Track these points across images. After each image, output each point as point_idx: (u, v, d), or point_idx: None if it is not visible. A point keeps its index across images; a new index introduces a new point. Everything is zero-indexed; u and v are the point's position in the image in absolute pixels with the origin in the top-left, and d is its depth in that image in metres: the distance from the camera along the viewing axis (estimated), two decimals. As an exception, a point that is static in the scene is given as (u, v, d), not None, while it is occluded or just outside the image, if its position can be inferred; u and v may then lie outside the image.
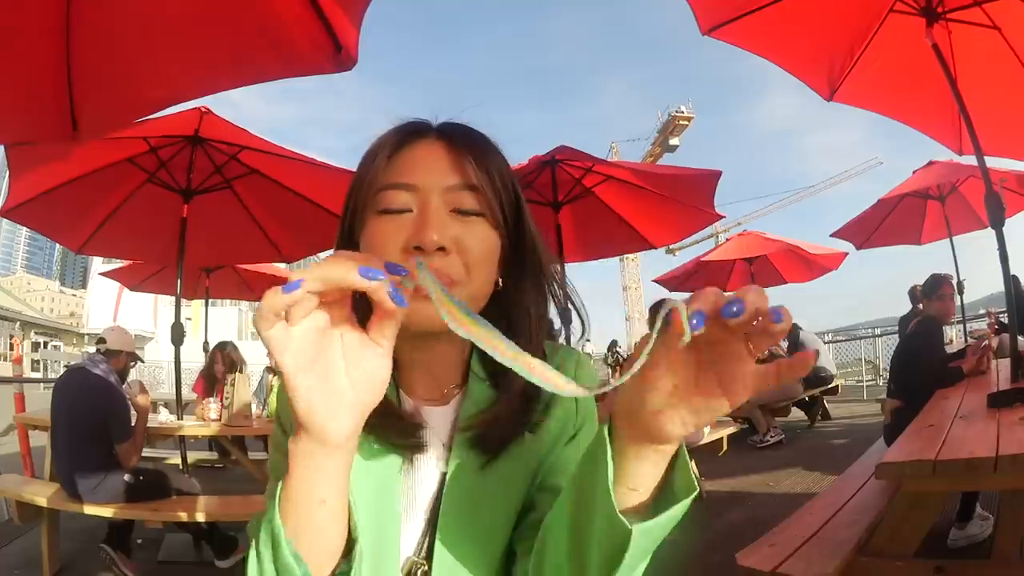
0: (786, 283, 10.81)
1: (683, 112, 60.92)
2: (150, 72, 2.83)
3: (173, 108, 3.34)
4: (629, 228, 6.36)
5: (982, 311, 10.19)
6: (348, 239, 0.85)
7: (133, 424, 3.88)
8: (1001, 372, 3.82)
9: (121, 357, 4.07)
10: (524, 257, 0.88)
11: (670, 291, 10.80)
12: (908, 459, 2.16)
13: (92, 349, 4.10)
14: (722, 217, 6.34)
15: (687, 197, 5.98)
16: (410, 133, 0.85)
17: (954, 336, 9.29)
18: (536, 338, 0.88)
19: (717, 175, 5.70)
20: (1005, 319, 5.18)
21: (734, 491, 5.38)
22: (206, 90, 3.05)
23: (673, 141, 61.71)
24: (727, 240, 11.28)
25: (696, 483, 0.60)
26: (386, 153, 0.83)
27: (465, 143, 0.84)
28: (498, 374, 0.88)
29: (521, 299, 0.88)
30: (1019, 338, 3.42)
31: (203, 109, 4.31)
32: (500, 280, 0.86)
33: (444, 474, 0.86)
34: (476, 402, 0.88)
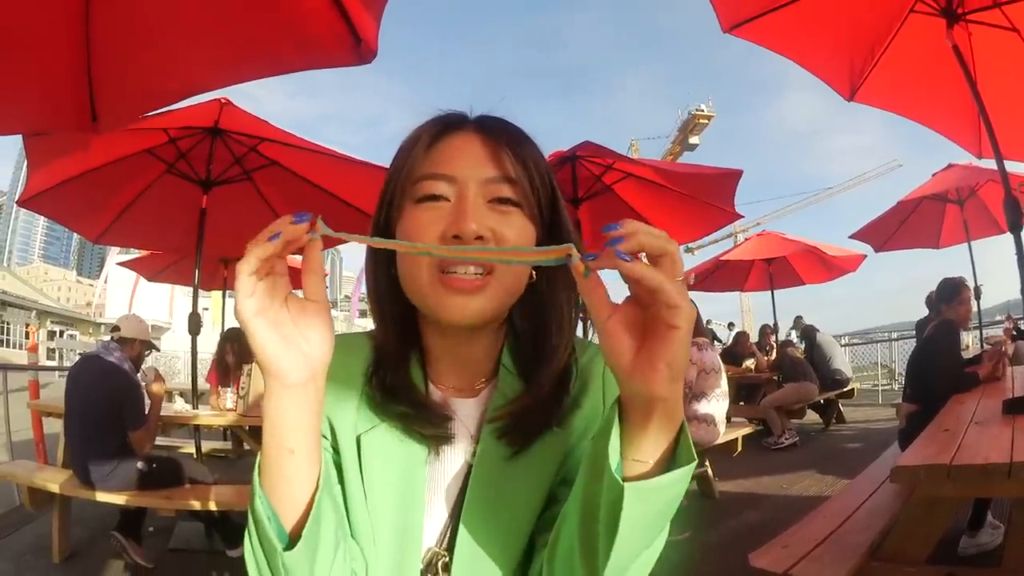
0: (804, 284, 10.81)
1: (703, 111, 60.52)
2: (170, 62, 2.84)
3: (193, 99, 3.37)
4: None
5: (998, 317, 10.09)
6: (384, 229, 0.87)
7: (147, 411, 3.90)
8: (1017, 379, 3.82)
9: (135, 345, 4.09)
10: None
11: (688, 290, 10.78)
12: (923, 463, 2.15)
13: (107, 337, 4.13)
14: (741, 217, 6.32)
15: (707, 196, 5.95)
16: (448, 125, 0.86)
17: (970, 342, 9.20)
18: (567, 333, 0.89)
19: (738, 175, 5.68)
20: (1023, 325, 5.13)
21: (748, 492, 5.37)
22: (226, 81, 3.06)
23: (693, 140, 61.31)
24: (746, 240, 11.25)
25: (693, 455, 0.62)
26: (424, 143, 0.85)
27: (502, 136, 0.84)
28: (529, 367, 0.88)
29: (554, 293, 0.88)
30: None
31: (223, 100, 4.32)
32: (534, 272, 0.87)
33: (470, 465, 0.86)
34: (505, 394, 0.88)
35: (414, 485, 0.85)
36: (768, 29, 4.03)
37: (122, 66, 2.73)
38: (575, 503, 0.70)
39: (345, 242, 0.77)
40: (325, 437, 0.85)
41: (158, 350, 5.88)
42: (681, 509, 0.65)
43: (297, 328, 0.67)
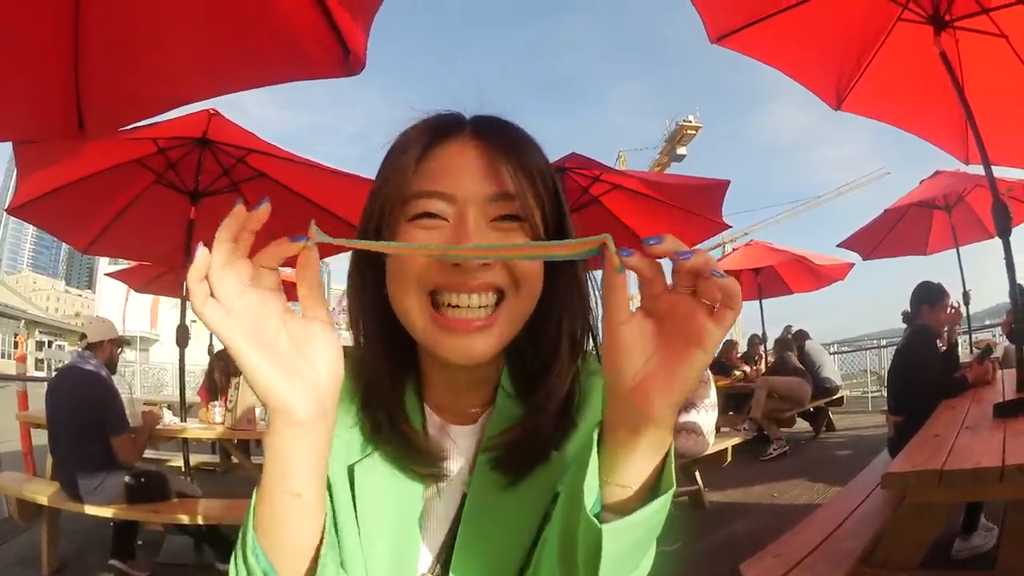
0: (792, 293, 10.83)
1: (691, 121, 60.46)
2: (159, 71, 2.83)
3: (182, 110, 3.37)
4: (635, 237, 6.31)
5: (988, 322, 10.14)
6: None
7: (128, 419, 3.88)
8: (1007, 382, 3.80)
9: (105, 346, 4.08)
10: (563, 267, 0.81)
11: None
12: (914, 469, 2.15)
13: (80, 347, 4.13)
14: (729, 227, 6.37)
15: (694, 206, 5.99)
16: (441, 131, 0.78)
17: (959, 343, 9.27)
18: (575, 356, 0.83)
19: (725, 185, 5.73)
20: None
21: (738, 502, 5.37)
22: (215, 92, 3.06)
23: (680, 150, 61.22)
24: (734, 250, 11.29)
25: (674, 480, 0.59)
26: (415, 153, 0.77)
27: (502, 144, 0.77)
28: (529, 391, 0.83)
29: (557, 309, 0.82)
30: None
31: (211, 111, 4.31)
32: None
33: (464, 494, 0.83)
34: (503, 420, 0.83)
35: (409, 516, 0.82)
36: (755, 40, 4.06)
37: (110, 73, 2.72)
38: (554, 532, 0.69)
39: (346, 250, 0.69)
40: None
41: (128, 344, 5.84)
42: (671, 520, 0.63)
43: (300, 353, 0.60)
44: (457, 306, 0.72)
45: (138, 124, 3.41)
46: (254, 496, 0.63)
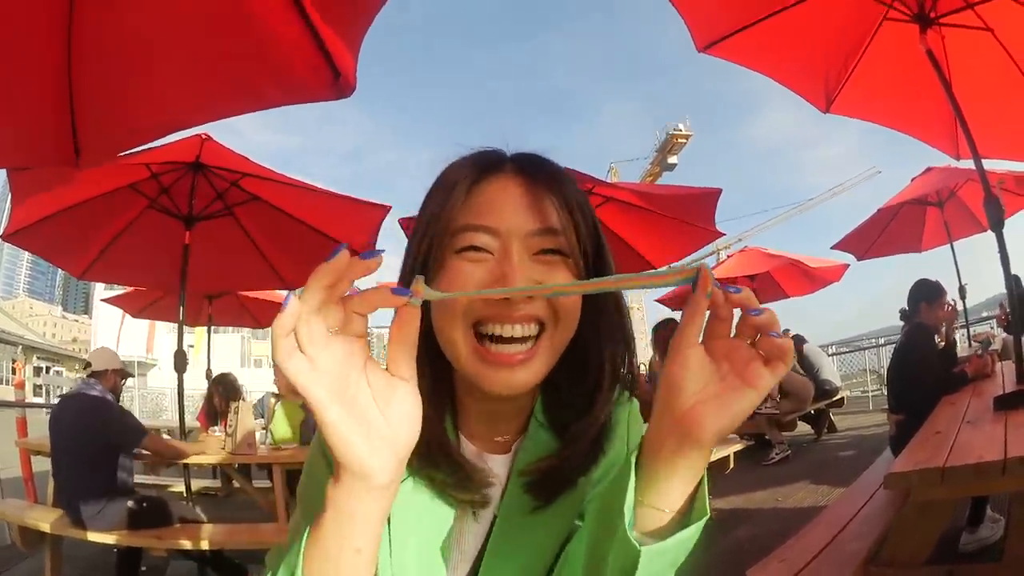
0: (788, 297, 10.82)
1: (681, 130, 60.53)
2: (152, 99, 2.84)
3: (175, 135, 3.36)
4: (630, 249, 6.37)
5: (985, 314, 10.13)
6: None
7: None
8: (1007, 374, 3.81)
9: (109, 375, 4.09)
10: (604, 299, 0.85)
11: (673, 311, 10.73)
12: (916, 468, 2.15)
13: (84, 374, 4.13)
14: (723, 235, 6.41)
15: (688, 216, 6.03)
16: (486, 168, 0.82)
17: (958, 340, 9.27)
18: (611, 390, 0.86)
19: (717, 193, 5.77)
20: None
21: (742, 508, 5.33)
22: (207, 117, 3.06)
23: (672, 160, 61.34)
24: (728, 257, 11.28)
25: (707, 508, 0.62)
26: (463, 188, 0.80)
27: (544, 179, 0.81)
28: (562, 422, 0.85)
29: (599, 341, 0.84)
30: None
31: (203, 136, 4.33)
32: None
33: (495, 517, 0.85)
34: (536, 448, 0.86)
35: (440, 540, 0.83)
36: (742, 47, 4.08)
37: (105, 101, 2.73)
38: (580, 549, 0.72)
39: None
40: None
41: (132, 376, 5.86)
42: None
43: (381, 410, 0.58)
44: (500, 336, 0.75)
45: (132, 151, 3.42)
46: (303, 540, 0.61)
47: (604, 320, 0.84)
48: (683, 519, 0.63)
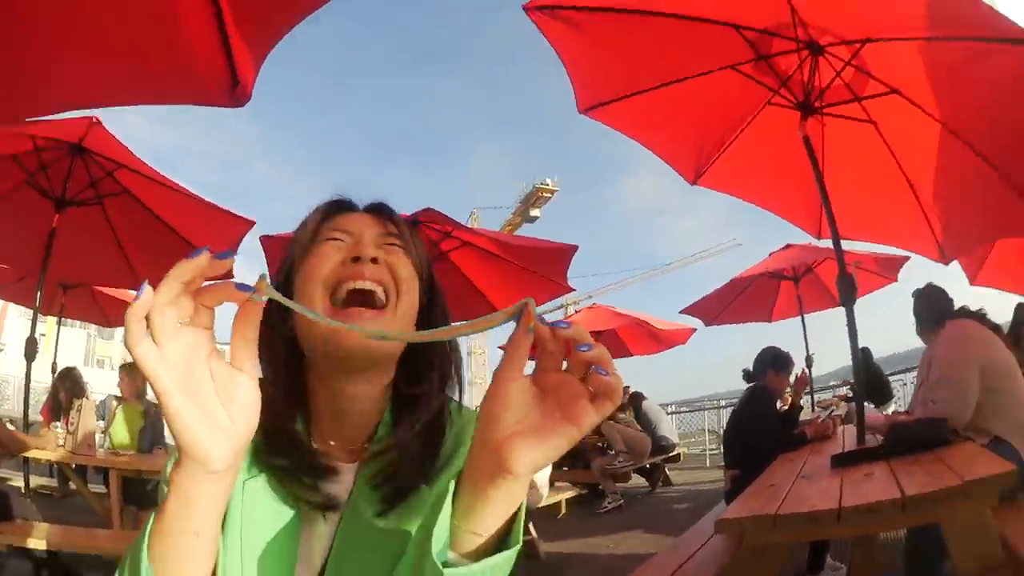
0: (633, 355, 11.04)
1: (548, 184, 61.54)
2: (57, 70, 2.75)
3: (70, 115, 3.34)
4: (479, 295, 6.55)
5: (833, 383, 10.92)
6: (284, 285, 0.94)
7: None
8: (847, 436, 3.96)
9: None
10: (435, 320, 1.00)
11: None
12: (749, 515, 2.20)
13: None
14: (573, 290, 6.70)
15: (541, 268, 6.28)
16: (343, 206, 1.00)
17: (804, 406, 9.83)
18: (445, 394, 0.98)
19: (573, 249, 6.08)
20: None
21: (575, 552, 5.41)
22: (105, 100, 3.00)
23: (534, 212, 62.38)
24: (576, 312, 11.60)
25: (520, 538, 0.66)
26: (323, 212, 0.98)
27: (389, 215, 1.00)
28: (406, 430, 0.92)
29: (428, 350, 0.97)
30: (867, 404, 3.62)
31: (94, 119, 4.20)
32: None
33: (340, 522, 0.88)
34: (380, 454, 0.90)
35: (290, 540, 0.85)
36: (623, 113, 4.15)
37: (12, 64, 2.61)
38: (406, 569, 0.73)
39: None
40: None
41: None
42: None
43: (222, 401, 0.62)
44: (355, 290, 0.87)
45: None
46: (150, 523, 0.64)
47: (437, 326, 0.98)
48: (498, 544, 0.65)
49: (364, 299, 0.87)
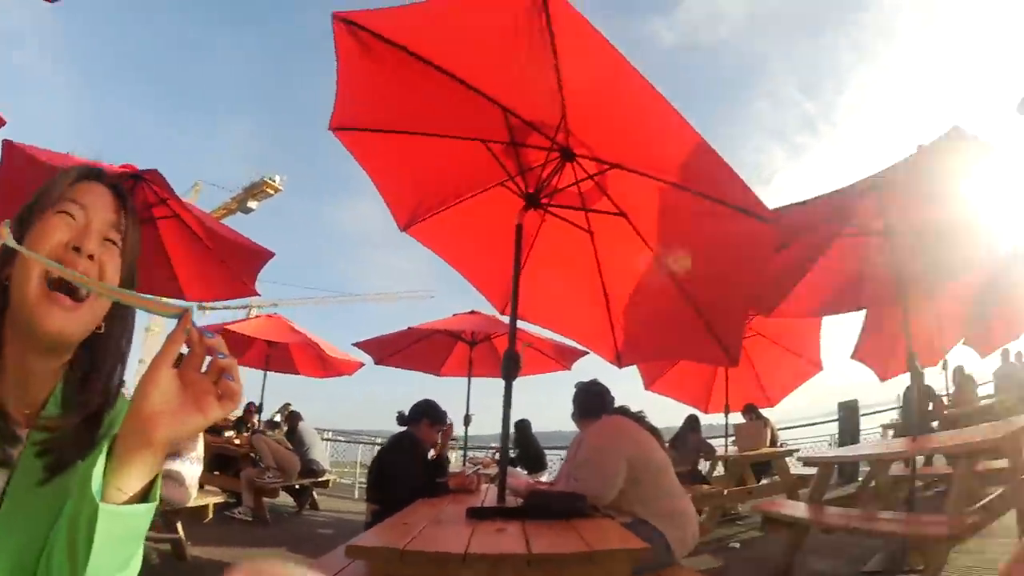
0: (299, 374, 11.01)
1: (275, 182, 60.06)
2: None
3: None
4: (169, 270, 6.33)
5: (493, 445, 11.63)
6: (19, 225, 0.99)
7: None
8: (490, 494, 4.11)
9: None
10: (122, 313, 1.09)
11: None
12: (378, 545, 2.26)
13: None
14: (258, 295, 6.67)
15: (234, 263, 6.28)
16: (90, 176, 1.07)
17: (453, 460, 10.30)
18: (118, 377, 1.09)
19: (269, 255, 6.26)
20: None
21: (219, 560, 5.21)
22: None
23: (252, 204, 60.35)
24: (257, 316, 11.27)
25: (158, 496, 0.83)
26: (71, 177, 1.05)
27: (123, 198, 1.09)
28: (75, 402, 1.02)
29: (119, 342, 1.09)
30: (519, 470, 3.76)
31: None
32: (103, 324, 1.05)
33: (10, 476, 0.94)
34: (48, 423, 0.99)
35: None
36: (367, 143, 4.21)
37: None
38: (64, 519, 0.82)
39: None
40: None
41: None
42: (151, 568, 0.83)
43: None
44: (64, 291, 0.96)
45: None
46: None
47: (118, 330, 1.08)
48: (139, 501, 0.80)
49: (70, 288, 0.96)
